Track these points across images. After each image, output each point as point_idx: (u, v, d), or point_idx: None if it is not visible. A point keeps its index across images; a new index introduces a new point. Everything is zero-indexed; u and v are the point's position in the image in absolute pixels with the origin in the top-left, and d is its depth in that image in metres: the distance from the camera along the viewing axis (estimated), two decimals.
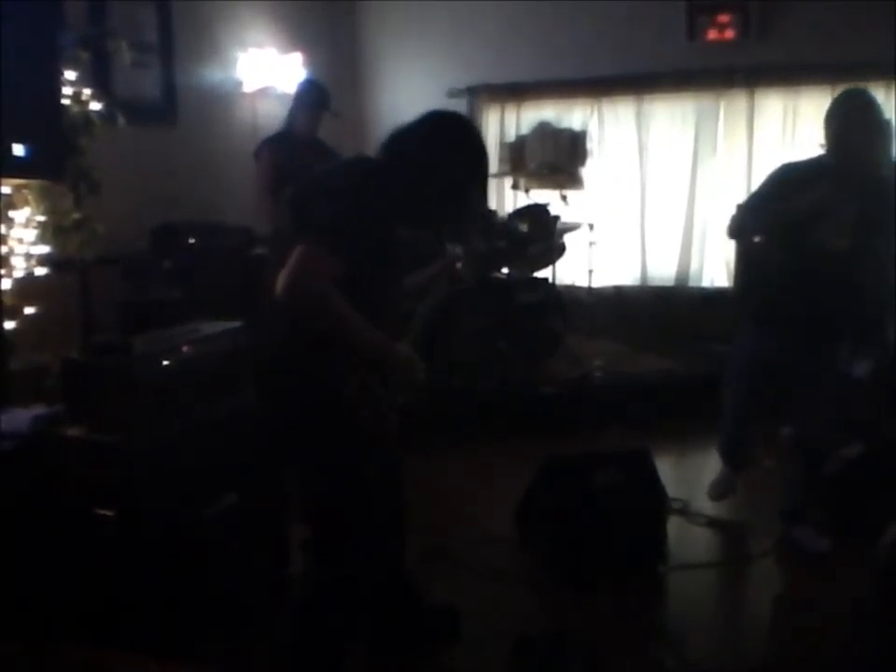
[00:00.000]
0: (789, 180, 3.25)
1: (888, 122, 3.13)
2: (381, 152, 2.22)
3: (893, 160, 3.12)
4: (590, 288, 5.96)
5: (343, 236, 2.00)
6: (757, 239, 3.36)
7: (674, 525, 3.66)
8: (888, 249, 3.09)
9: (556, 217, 5.49)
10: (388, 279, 2.22)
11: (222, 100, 5.51)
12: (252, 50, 5.64)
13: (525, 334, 5.31)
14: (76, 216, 3.74)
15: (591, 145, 6.49)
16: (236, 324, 3.05)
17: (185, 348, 2.77)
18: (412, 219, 2.23)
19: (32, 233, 3.62)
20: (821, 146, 3.41)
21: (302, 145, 4.47)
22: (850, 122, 3.08)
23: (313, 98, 4.57)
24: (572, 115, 6.56)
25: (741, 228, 3.39)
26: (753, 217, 3.28)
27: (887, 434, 3.66)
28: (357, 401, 2.07)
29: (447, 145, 2.19)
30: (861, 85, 5.67)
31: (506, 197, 6.60)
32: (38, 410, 2.79)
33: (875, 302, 3.23)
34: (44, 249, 3.66)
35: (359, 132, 6.59)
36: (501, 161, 6.50)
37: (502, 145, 6.59)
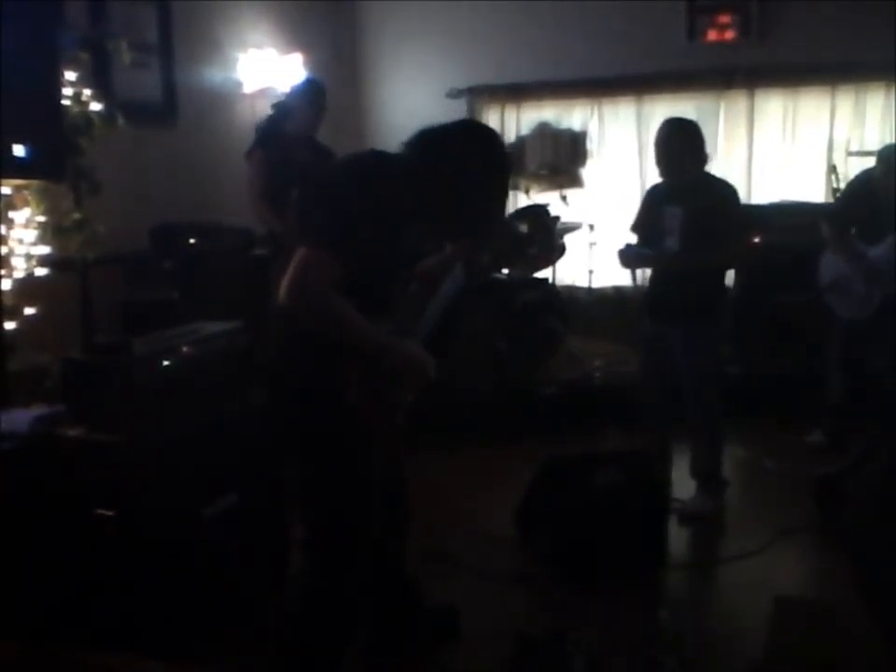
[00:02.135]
0: (649, 198, 3.98)
1: (674, 138, 3.70)
2: (407, 151, 2.19)
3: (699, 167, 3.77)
4: (590, 289, 5.96)
5: (345, 236, 1.97)
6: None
7: (674, 524, 3.66)
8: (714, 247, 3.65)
9: (556, 218, 5.49)
10: (395, 277, 2.22)
11: (222, 101, 5.50)
12: (252, 51, 5.64)
13: (524, 334, 5.31)
14: (76, 216, 3.74)
15: (591, 145, 6.48)
16: (236, 324, 3.05)
17: (185, 348, 2.78)
18: (423, 219, 2.19)
19: (32, 234, 3.61)
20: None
21: (297, 143, 4.46)
22: (655, 146, 3.76)
23: (318, 97, 4.57)
24: (572, 115, 6.55)
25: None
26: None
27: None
28: (359, 402, 2.07)
29: (479, 158, 2.16)
30: (861, 85, 5.73)
31: None
32: (38, 410, 2.79)
33: (705, 293, 3.74)
34: (44, 250, 3.66)
35: (359, 132, 6.61)
36: None
37: None
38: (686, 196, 3.70)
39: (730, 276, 5.89)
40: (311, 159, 4.38)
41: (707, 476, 3.85)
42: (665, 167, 3.76)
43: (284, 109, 4.56)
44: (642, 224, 3.99)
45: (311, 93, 4.56)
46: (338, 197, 2.06)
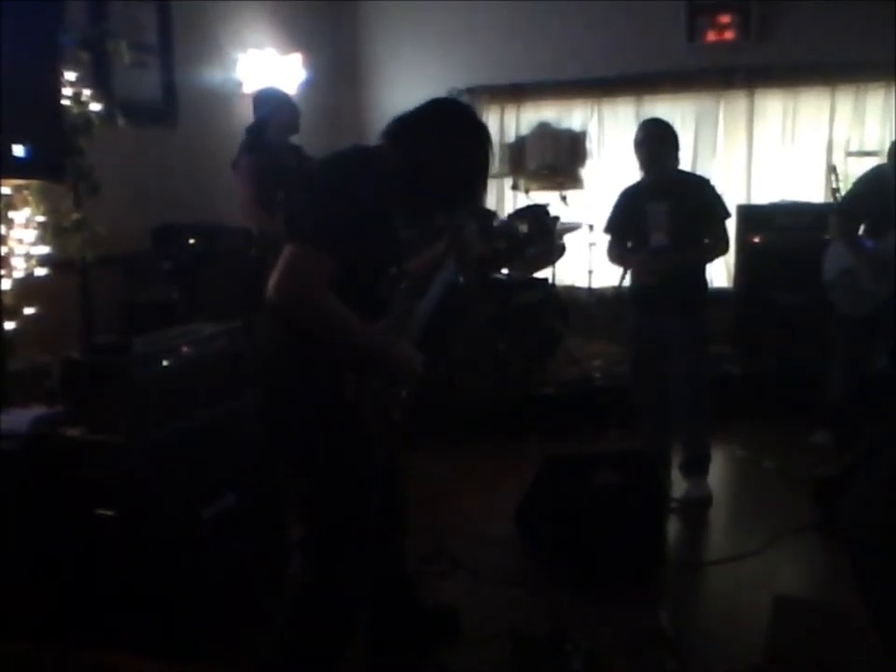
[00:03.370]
0: (626, 199, 4.05)
1: (661, 138, 3.85)
2: (382, 139, 2.18)
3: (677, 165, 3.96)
4: (590, 289, 5.96)
5: (334, 233, 1.97)
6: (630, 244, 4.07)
7: (674, 524, 3.66)
8: (702, 238, 3.92)
9: (556, 218, 5.49)
10: (384, 273, 2.21)
11: (222, 101, 5.51)
12: (252, 51, 5.64)
13: (524, 335, 5.31)
14: (76, 216, 3.74)
15: (591, 145, 6.49)
16: (236, 325, 3.05)
17: (185, 349, 2.77)
18: (410, 209, 2.19)
19: (32, 234, 3.62)
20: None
21: (279, 148, 4.49)
22: (635, 144, 3.89)
23: (291, 104, 4.62)
24: (572, 115, 6.56)
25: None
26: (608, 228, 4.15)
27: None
28: (354, 400, 2.06)
29: (453, 134, 2.16)
30: (861, 85, 5.73)
31: (506, 198, 6.61)
32: (38, 410, 2.79)
33: (699, 283, 3.98)
34: (44, 250, 3.66)
35: (359, 132, 6.60)
36: (501, 161, 6.50)
37: (502, 145, 6.58)
38: (668, 192, 3.84)
39: (730, 276, 5.98)
40: (295, 163, 4.41)
41: (701, 460, 3.98)
42: (650, 167, 3.87)
43: (259, 125, 4.59)
44: (619, 225, 4.05)
45: (285, 101, 4.61)
46: (323, 194, 2.06)
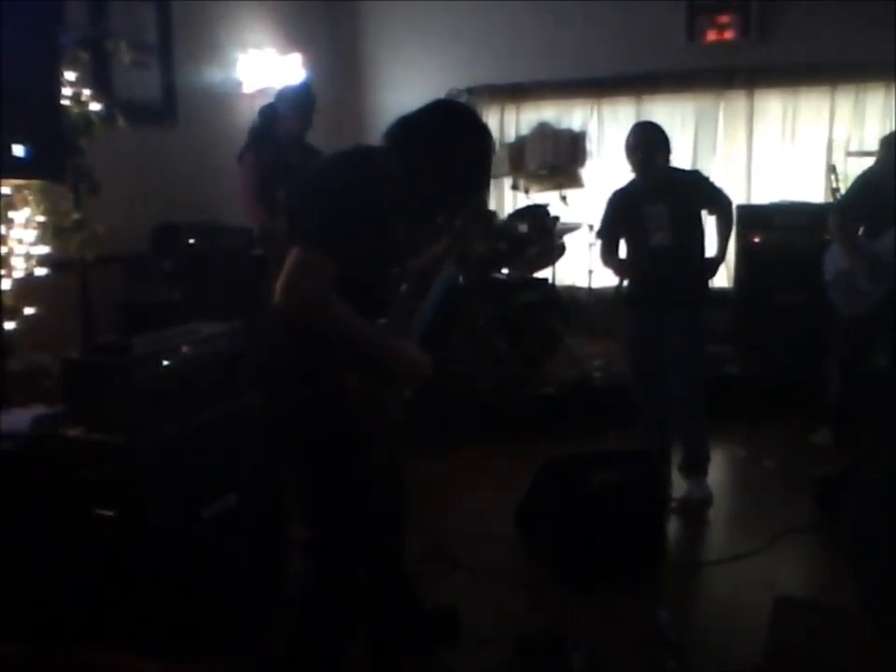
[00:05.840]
0: (619, 202, 4.04)
1: (652, 140, 3.84)
2: (385, 140, 2.19)
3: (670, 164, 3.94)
4: (590, 289, 5.96)
5: (338, 234, 1.97)
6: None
7: (674, 524, 3.66)
8: (701, 237, 3.99)
9: (556, 218, 5.49)
10: (386, 274, 2.21)
11: (222, 100, 5.51)
12: (252, 51, 5.64)
13: (524, 334, 5.31)
14: (75, 216, 3.74)
15: (591, 145, 6.49)
16: (236, 324, 3.04)
17: (185, 348, 2.77)
18: (412, 210, 2.19)
19: (32, 234, 3.61)
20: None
21: (288, 145, 4.46)
22: (626, 150, 3.89)
23: (305, 102, 4.57)
24: (572, 115, 6.56)
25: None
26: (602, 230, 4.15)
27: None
28: (355, 399, 2.06)
29: (457, 136, 2.17)
30: (861, 85, 5.74)
31: (506, 198, 6.61)
32: (38, 410, 2.79)
33: (702, 278, 4.01)
34: (44, 250, 3.66)
35: (359, 132, 6.60)
36: (501, 161, 6.49)
37: (502, 145, 6.58)
38: (665, 193, 3.84)
39: (730, 276, 5.98)
40: (301, 160, 4.39)
41: (701, 460, 3.97)
42: (644, 170, 3.87)
43: (271, 113, 4.55)
44: (612, 229, 4.05)
45: (297, 98, 4.56)
46: (327, 195, 2.06)
